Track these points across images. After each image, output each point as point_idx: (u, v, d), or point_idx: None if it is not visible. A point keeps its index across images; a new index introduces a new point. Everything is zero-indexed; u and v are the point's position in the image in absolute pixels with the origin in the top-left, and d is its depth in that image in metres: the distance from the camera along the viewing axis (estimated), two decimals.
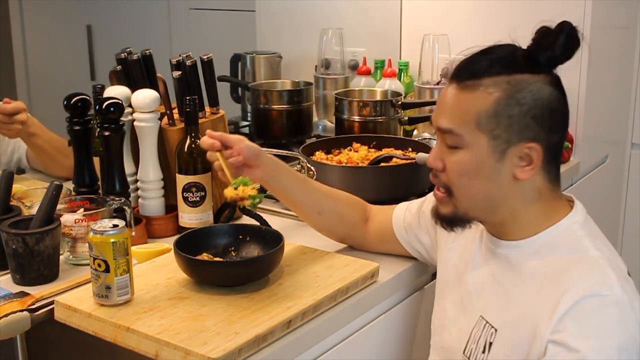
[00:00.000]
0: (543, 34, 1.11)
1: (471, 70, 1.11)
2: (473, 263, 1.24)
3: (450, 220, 1.18)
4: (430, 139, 2.06)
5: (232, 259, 1.33)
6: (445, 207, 1.18)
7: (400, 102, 2.05)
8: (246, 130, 2.41)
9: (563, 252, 1.12)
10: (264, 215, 1.63)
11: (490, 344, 1.14)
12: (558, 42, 1.10)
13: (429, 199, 1.40)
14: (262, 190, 1.32)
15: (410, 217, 1.41)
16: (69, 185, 1.57)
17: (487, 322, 1.17)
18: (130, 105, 1.58)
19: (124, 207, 1.45)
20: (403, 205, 1.45)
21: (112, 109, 1.49)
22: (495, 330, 1.14)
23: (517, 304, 1.12)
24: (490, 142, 1.09)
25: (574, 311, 1.03)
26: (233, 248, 1.35)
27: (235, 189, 1.27)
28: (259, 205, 1.36)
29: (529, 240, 1.15)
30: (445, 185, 1.16)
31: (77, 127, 1.54)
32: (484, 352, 1.15)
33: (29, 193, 1.54)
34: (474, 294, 1.22)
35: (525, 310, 1.10)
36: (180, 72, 1.58)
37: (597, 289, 1.04)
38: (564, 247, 1.12)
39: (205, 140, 1.32)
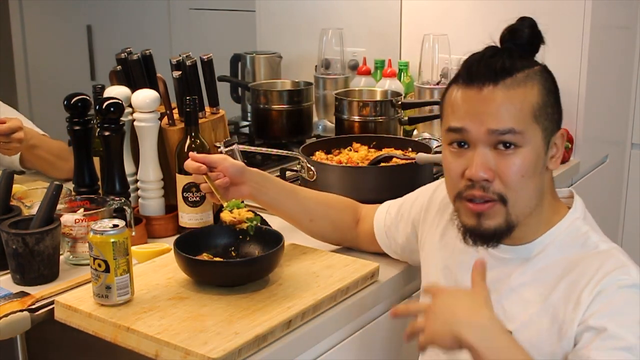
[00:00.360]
0: (510, 31, 1.13)
1: (502, 68, 1.08)
2: (462, 267, 1.21)
3: (496, 234, 1.10)
4: (430, 139, 2.06)
5: (232, 259, 1.33)
6: (493, 219, 1.09)
7: (400, 102, 2.05)
8: (246, 130, 2.41)
9: (573, 249, 1.11)
10: (264, 215, 1.62)
11: None
12: (524, 34, 1.12)
13: (408, 201, 1.40)
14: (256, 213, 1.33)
15: (389, 220, 1.41)
16: (69, 185, 1.57)
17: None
18: (130, 105, 1.58)
19: (124, 207, 1.45)
20: (384, 207, 1.44)
21: (112, 109, 1.49)
22: (511, 332, 1.09)
23: (532, 303, 1.11)
24: (543, 133, 1.09)
25: (598, 298, 1.03)
26: (233, 248, 1.35)
27: (231, 211, 1.29)
28: (260, 206, 1.36)
29: (534, 242, 1.13)
30: (500, 193, 1.07)
31: (77, 127, 1.54)
32: None
33: (29, 193, 1.54)
34: None
35: (544, 307, 1.09)
36: (180, 72, 1.58)
37: (615, 275, 1.04)
38: (573, 245, 1.11)
39: (190, 165, 1.32)
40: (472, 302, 1.02)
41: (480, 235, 1.11)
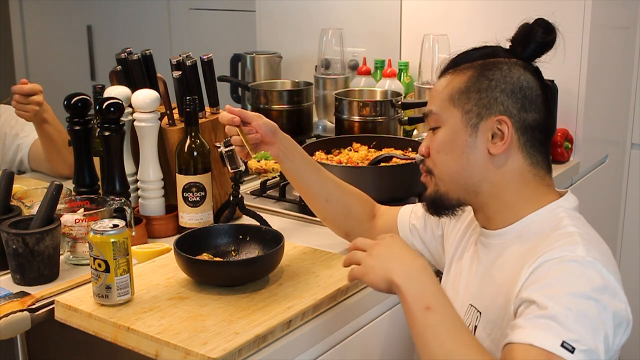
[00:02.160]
0: (522, 27, 1.19)
1: (454, 61, 1.20)
2: (464, 255, 1.27)
3: (434, 202, 1.21)
4: None
5: (232, 259, 1.33)
6: (428, 189, 1.22)
7: (400, 102, 2.05)
8: None
9: (543, 232, 1.13)
10: (264, 215, 1.63)
11: (475, 327, 1.16)
12: (537, 33, 1.17)
13: None
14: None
15: (415, 219, 1.42)
16: (69, 185, 1.57)
17: (474, 307, 1.19)
18: (130, 105, 1.58)
19: (124, 207, 1.45)
20: (408, 207, 1.45)
21: (112, 109, 1.49)
22: (480, 313, 1.17)
23: (499, 285, 1.13)
24: (463, 116, 1.15)
25: (535, 272, 1.04)
26: (233, 248, 1.35)
27: (258, 161, 1.32)
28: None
29: (512, 226, 1.16)
30: (428, 168, 1.20)
31: (77, 127, 1.54)
32: None
33: (29, 193, 1.54)
34: (463, 284, 1.24)
35: (501, 286, 1.12)
36: (180, 72, 1.58)
37: (556, 251, 1.05)
38: (544, 228, 1.13)
39: (224, 115, 1.35)
40: (409, 251, 1.12)
41: (426, 202, 1.23)
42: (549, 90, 1.19)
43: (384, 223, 1.44)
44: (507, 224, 1.17)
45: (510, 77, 1.14)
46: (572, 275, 1.02)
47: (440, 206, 1.21)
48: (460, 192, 1.18)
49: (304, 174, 1.41)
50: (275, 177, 1.33)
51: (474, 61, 1.17)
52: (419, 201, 1.27)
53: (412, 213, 1.43)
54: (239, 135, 1.33)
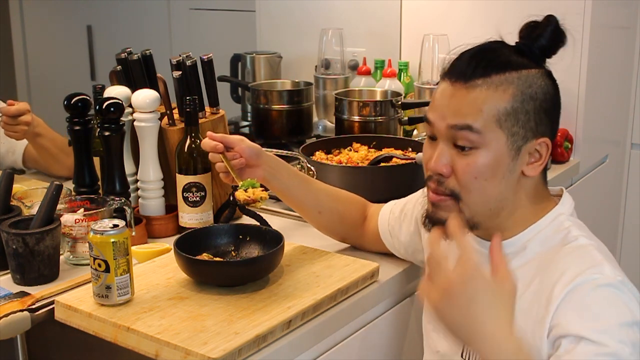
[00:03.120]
0: (531, 26, 1.12)
1: (478, 68, 1.08)
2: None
3: (436, 221, 1.12)
4: None
5: (232, 259, 1.33)
6: (445, 212, 1.11)
7: (400, 102, 2.05)
8: (246, 130, 2.41)
9: (552, 244, 1.11)
10: (264, 215, 1.63)
11: None
12: (546, 32, 1.11)
13: (411, 200, 1.40)
14: (265, 189, 1.33)
15: (393, 219, 1.41)
16: (69, 185, 1.57)
17: None
18: (130, 105, 1.58)
19: (124, 207, 1.45)
20: (387, 207, 1.44)
21: (112, 109, 1.49)
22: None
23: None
24: (508, 140, 1.07)
25: (568, 298, 1.02)
26: (233, 248, 1.35)
27: (245, 191, 1.28)
28: (270, 190, 1.36)
29: (515, 239, 1.13)
30: (453, 190, 1.09)
31: (77, 127, 1.54)
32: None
33: (29, 193, 1.54)
34: None
35: (521, 305, 1.07)
36: (180, 72, 1.58)
37: (587, 274, 1.02)
38: (553, 240, 1.11)
39: (207, 143, 1.32)
40: (492, 302, 0.92)
41: (434, 223, 1.12)
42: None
43: (373, 227, 1.44)
44: (510, 236, 1.13)
45: (550, 94, 1.10)
46: (612, 303, 1.00)
47: (438, 222, 1.11)
48: (483, 216, 1.11)
49: (293, 190, 1.40)
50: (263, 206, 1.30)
51: (504, 72, 1.07)
52: (432, 221, 1.13)
53: (390, 214, 1.42)
54: (222, 162, 1.31)
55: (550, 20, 1.13)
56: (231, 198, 1.58)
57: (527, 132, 1.08)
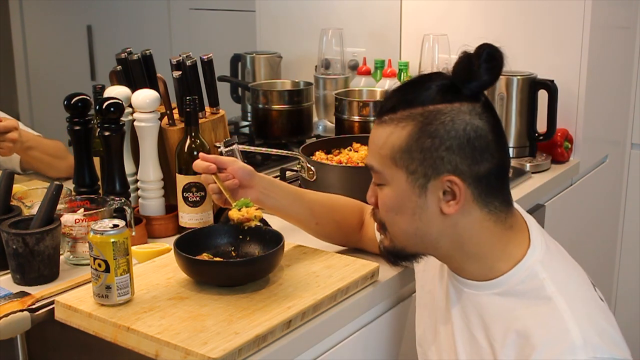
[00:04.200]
0: (463, 62, 1.06)
1: (389, 104, 1.08)
2: (441, 298, 1.22)
3: (393, 255, 1.16)
4: None
5: (232, 259, 1.33)
6: (384, 240, 1.16)
7: None
8: (246, 130, 2.41)
9: (526, 300, 1.07)
10: (264, 215, 1.62)
11: None
12: (480, 69, 1.04)
13: None
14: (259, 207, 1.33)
15: None
16: (69, 185, 1.57)
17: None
18: (130, 105, 1.58)
19: (124, 207, 1.45)
20: None
21: (112, 109, 1.49)
22: None
23: (484, 352, 1.10)
24: (408, 177, 1.06)
25: None
26: (233, 248, 1.35)
27: (239, 210, 1.28)
28: (265, 210, 1.36)
29: (492, 282, 1.10)
30: (380, 221, 1.14)
31: (77, 127, 1.54)
32: None
33: (29, 193, 1.54)
34: (442, 330, 1.21)
35: (485, 350, 1.09)
36: (180, 72, 1.58)
37: (557, 356, 0.99)
38: (527, 295, 1.07)
39: (199, 164, 1.32)
40: None
41: (385, 253, 1.19)
42: (498, 129, 1.07)
43: (371, 232, 1.43)
44: (482, 279, 1.11)
45: (455, 131, 1.03)
46: None
47: (400, 257, 1.16)
48: (418, 248, 1.13)
49: (288, 207, 1.40)
50: (258, 224, 1.30)
51: (411, 107, 1.05)
52: (380, 250, 1.22)
53: None
54: (215, 183, 1.31)
55: (481, 52, 1.05)
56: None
57: (426, 169, 1.05)
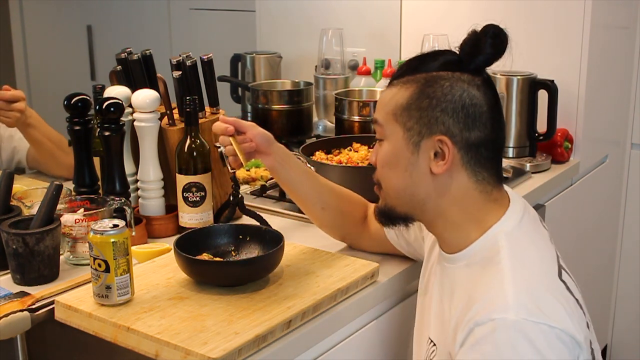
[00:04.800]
0: (471, 38, 1.15)
1: (399, 72, 1.18)
2: (428, 278, 1.26)
3: (384, 215, 1.22)
4: None
5: (232, 259, 1.33)
6: (379, 201, 1.23)
7: None
8: None
9: (482, 265, 1.11)
10: (264, 215, 1.63)
11: None
12: (486, 44, 1.13)
13: None
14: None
15: None
16: (69, 185, 1.57)
17: (431, 339, 1.19)
18: (130, 105, 1.58)
19: (124, 207, 1.45)
20: None
21: (112, 109, 1.49)
22: (435, 346, 1.17)
23: (445, 319, 1.13)
24: (405, 134, 1.14)
25: (469, 339, 1.03)
26: (233, 248, 1.35)
27: (248, 170, 1.30)
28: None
29: (462, 253, 1.15)
30: (377, 179, 1.21)
31: (77, 127, 1.54)
32: None
33: (29, 193, 1.54)
34: (426, 309, 1.24)
35: (446, 324, 1.12)
36: (180, 72, 1.58)
37: (488, 313, 1.02)
38: (484, 260, 1.11)
39: (218, 125, 1.33)
40: None
41: (377, 214, 1.24)
42: (495, 104, 1.15)
43: (375, 226, 1.44)
44: (458, 249, 1.16)
45: (451, 95, 1.11)
46: (506, 352, 0.99)
47: (390, 218, 1.21)
48: (406, 208, 1.18)
49: (300, 184, 1.40)
50: (265, 184, 1.31)
51: (419, 73, 1.15)
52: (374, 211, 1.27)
53: None
54: (232, 145, 1.32)
55: (488, 30, 1.14)
56: (231, 198, 1.58)
57: (421, 128, 1.12)
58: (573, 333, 1.02)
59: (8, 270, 1.35)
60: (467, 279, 1.12)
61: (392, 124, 1.15)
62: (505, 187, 1.23)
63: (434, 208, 1.15)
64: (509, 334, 1.00)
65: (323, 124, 2.34)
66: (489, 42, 1.13)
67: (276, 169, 1.36)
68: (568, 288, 1.10)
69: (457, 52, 1.16)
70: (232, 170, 1.38)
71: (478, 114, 1.12)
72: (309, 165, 1.65)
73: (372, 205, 1.48)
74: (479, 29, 1.15)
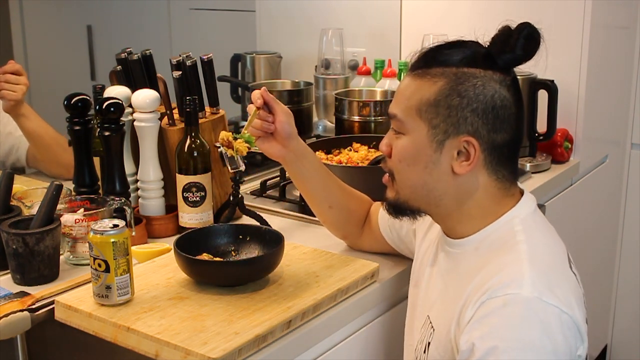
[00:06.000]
0: (503, 34, 1.12)
1: (424, 59, 1.12)
2: (429, 262, 1.25)
3: (394, 207, 1.19)
4: None
5: (232, 259, 1.33)
6: (389, 192, 1.20)
7: None
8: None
9: (495, 247, 1.11)
10: (264, 215, 1.63)
11: (429, 343, 1.15)
12: (517, 43, 1.10)
13: None
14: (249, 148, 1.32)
15: None
16: (69, 185, 1.57)
17: (430, 321, 1.18)
18: (130, 105, 1.58)
19: (124, 207, 1.45)
20: None
21: (112, 109, 1.49)
22: (433, 329, 1.16)
23: (448, 300, 1.13)
24: (429, 131, 1.10)
25: (478, 312, 1.03)
26: (233, 248, 1.35)
27: (235, 138, 1.28)
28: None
29: (471, 237, 1.14)
30: (390, 170, 1.18)
31: (77, 127, 1.54)
32: (424, 352, 1.17)
33: (29, 193, 1.54)
34: (423, 293, 1.23)
35: (451, 304, 1.11)
36: (180, 72, 1.58)
37: (503, 288, 1.02)
38: (497, 242, 1.11)
39: (255, 93, 1.30)
40: None
41: (386, 204, 1.21)
42: (521, 104, 1.13)
43: (374, 224, 1.44)
44: (467, 235, 1.15)
45: (483, 96, 1.08)
46: (515, 326, 0.99)
47: (400, 211, 1.19)
48: (421, 203, 1.16)
49: (311, 181, 1.39)
50: (234, 157, 1.29)
51: (447, 66, 1.10)
52: (383, 200, 1.24)
53: None
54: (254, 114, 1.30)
55: (522, 29, 1.11)
56: (231, 198, 1.58)
57: (448, 126, 1.09)
58: (580, 323, 1.03)
59: (8, 270, 1.35)
60: (479, 260, 1.11)
61: (414, 120, 1.11)
62: None
63: (450, 204, 1.14)
64: (520, 309, 1.00)
65: (323, 124, 2.34)
66: (521, 42, 1.09)
67: (287, 162, 1.35)
68: (578, 280, 1.11)
69: (484, 45, 1.12)
70: (233, 171, 1.38)
71: (507, 115, 1.09)
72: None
73: (374, 204, 1.48)
74: (513, 25, 1.11)
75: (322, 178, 1.40)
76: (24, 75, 1.83)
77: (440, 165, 1.11)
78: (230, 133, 1.30)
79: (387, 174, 1.19)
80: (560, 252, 1.13)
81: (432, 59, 1.11)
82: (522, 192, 1.18)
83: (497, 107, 1.09)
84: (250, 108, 1.31)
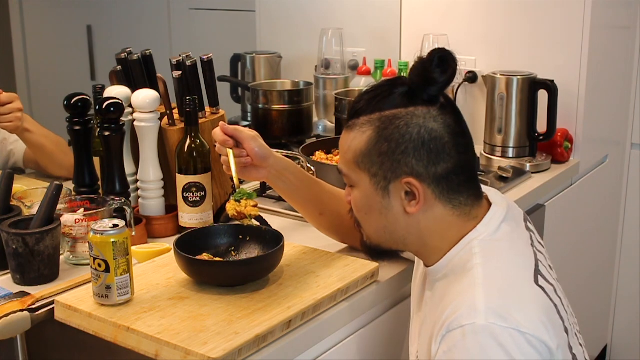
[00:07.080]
0: (417, 68, 1.11)
1: (352, 111, 1.15)
2: (419, 291, 1.26)
3: (370, 250, 1.24)
4: None
5: (232, 259, 1.33)
6: (362, 238, 1.23)
7: None
8: None
9: (456, 272, 1.11)
10: (264, 215, 1.63)
11: None
12: (435, 73, 1.09)
13: None
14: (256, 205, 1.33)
15: None
16: (69, 185, 1.57)
17: (417, 357, 1.20)
18: (130, 105, 1.58)
19: (124, 207, 1.45)
20: None
21: (112, 109, 1.49)
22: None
23: (427, 332, 1.12)
24: (371, 180, 1.13)
25: (441, 347, 1.03)
26: (233, 248, 1.35)
27: (238, 201, 1.28)
28: (259, 205, 1.35)
29: (438, 265, 1.15)
30: (355, 219, 1.21)
31: (77, 127, 1.54)
32: None
33: (29, 193, 1.54)
34: (413, 325, 1.25)
35: (427, 334, 1.11)
36: (180, 72, 1.58)
37: (458, 319, 1.01)
38: (458, 268, 1.11)
39: (217, 135, 1.31)
40: None
41: (365, 250, 1.26)
42: (460, 125, 1.11)
43: None
44: (432, 264, 1.16)
45: (409, 135, 1.08)
46: (476, 357, 0.98)
47: (378, 253, 1.24)
48: (390, 244, 1.19)
49: (296, 193, 1.40)
50: (251, 224, 1.32)
51: (372, 113, 1.11)
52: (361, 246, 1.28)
53: None
54: (227, 156, 1.31)
55: (432, 56, 1.10)
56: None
57: (386, 172, 1.11)
58: (545, 339, 1.01)
59: (8, 270, 1.35)
60: (444, 288, 1.11)
61: (356, 172, 1.14)
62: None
63: (415, 241, 1.16)
64: (479, 338, 0.99)
65: (323, 124, 2.34)
66: (437, 71, 1.09)
67: (271, 180, 1.37)
68: (546, 293, 1.08)
69: (409, 81, 1.12)
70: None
71: (440, 146, 1.09)
72: (309, 166, 1.66)
73: None
74: (425, 54, 1.11)
75: (308, 186, 1.41)
76: (15, 101, 1.77)
77: (392, 209, 1.13)
78: (235, 203, 1.29)
79: (355, 224, 1.23)
80: (524, 267, 1.11)
81: (358, 110, 1.14)
82: (489, 208, 1.16)
83: (426, 142, 1.08)
84: (221, 149, 1.32)
